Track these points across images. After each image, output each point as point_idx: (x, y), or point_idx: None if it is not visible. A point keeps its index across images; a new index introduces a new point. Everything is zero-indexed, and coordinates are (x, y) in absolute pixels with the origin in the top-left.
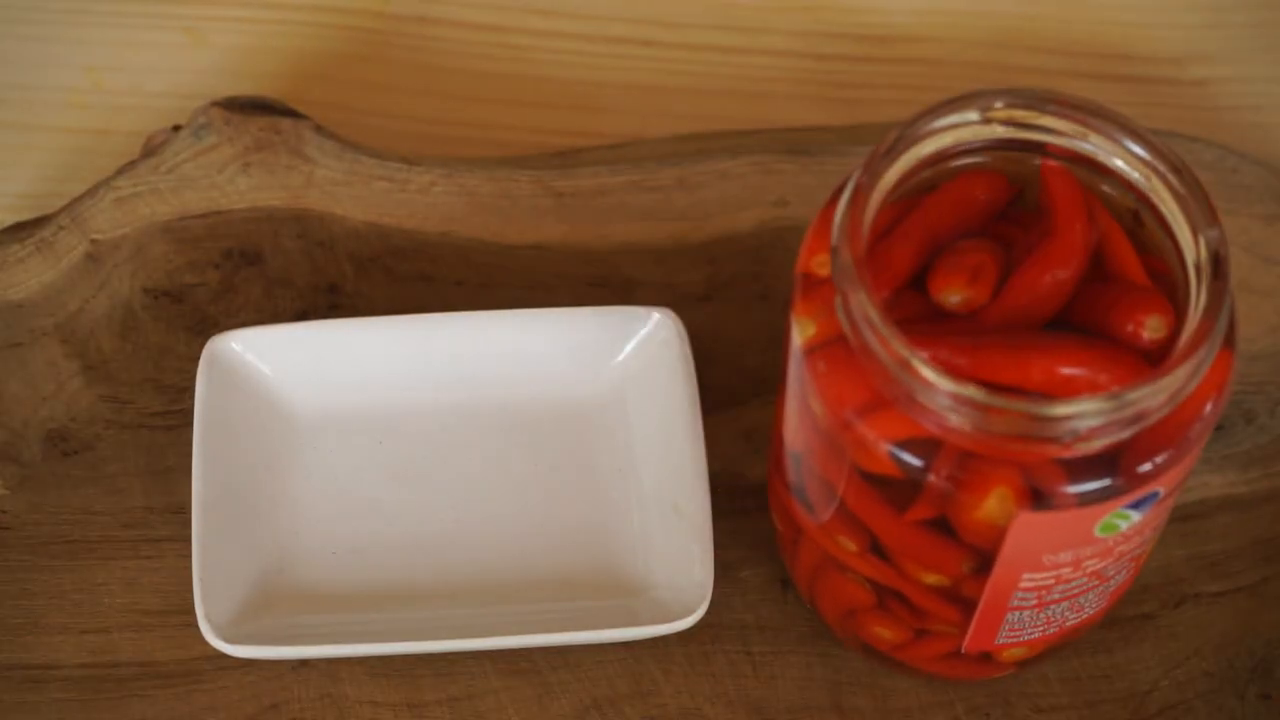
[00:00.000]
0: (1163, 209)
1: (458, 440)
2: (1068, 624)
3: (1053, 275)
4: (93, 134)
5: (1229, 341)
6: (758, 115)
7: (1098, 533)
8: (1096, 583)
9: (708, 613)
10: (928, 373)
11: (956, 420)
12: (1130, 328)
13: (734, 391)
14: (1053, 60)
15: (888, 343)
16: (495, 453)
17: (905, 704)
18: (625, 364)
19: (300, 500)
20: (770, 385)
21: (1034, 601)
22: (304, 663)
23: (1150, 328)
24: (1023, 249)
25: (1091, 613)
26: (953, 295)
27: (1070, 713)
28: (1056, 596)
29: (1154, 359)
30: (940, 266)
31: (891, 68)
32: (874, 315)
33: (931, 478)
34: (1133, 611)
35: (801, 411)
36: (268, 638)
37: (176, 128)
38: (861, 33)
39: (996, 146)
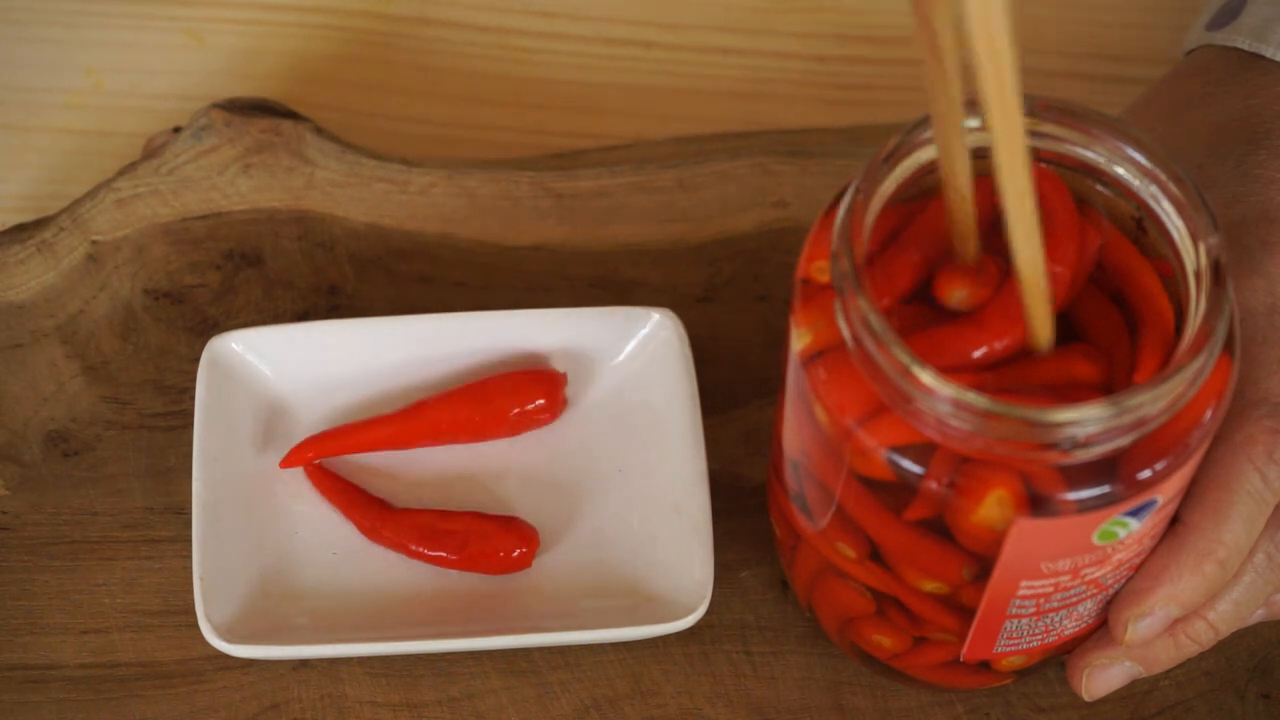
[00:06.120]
0: (1163, 216)
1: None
2: (1066, 633)
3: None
4: (93, 135)
5: (1229, 348)
6: (758, 116)
7: (1096, 540)
8: (1095, 591)
9: (708, 613)
10: (927, 378)
11: (956, 426)
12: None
13: (734, 392)
14: (1053, 60)
15: (887, 349)
16: (495, 453)
17: (905, 704)
18: (625, 364)
19: (300, 500)
20: (770, 386)
21: (1032, 610)
22: (304, 663)
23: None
24: None
25: (1090, 622)
26: (958, 292)
27: (1070, 712)
28: (1055, 605)
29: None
30: (945, 268)
31: (891, 69)
32: (874, 321)
33: (931, 483)
34: None
35: (800, 417)
36: (268, 638)
37: (177, 129)
38: (861, 34)
39: None
